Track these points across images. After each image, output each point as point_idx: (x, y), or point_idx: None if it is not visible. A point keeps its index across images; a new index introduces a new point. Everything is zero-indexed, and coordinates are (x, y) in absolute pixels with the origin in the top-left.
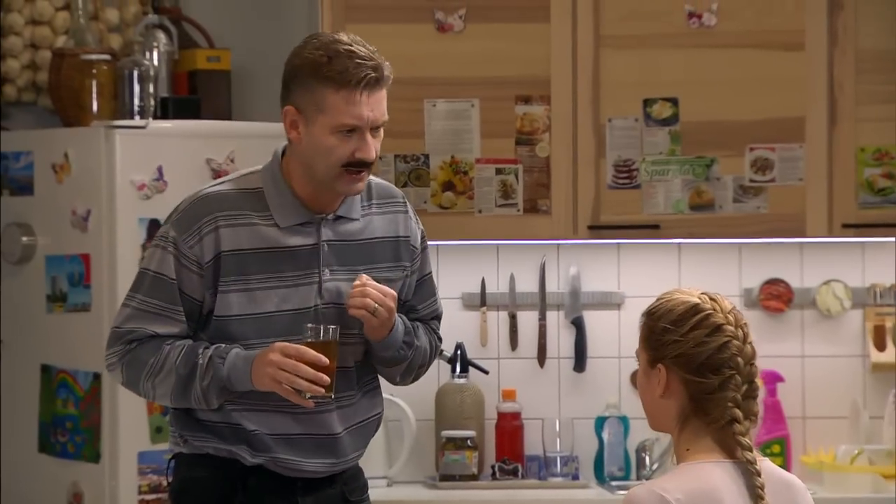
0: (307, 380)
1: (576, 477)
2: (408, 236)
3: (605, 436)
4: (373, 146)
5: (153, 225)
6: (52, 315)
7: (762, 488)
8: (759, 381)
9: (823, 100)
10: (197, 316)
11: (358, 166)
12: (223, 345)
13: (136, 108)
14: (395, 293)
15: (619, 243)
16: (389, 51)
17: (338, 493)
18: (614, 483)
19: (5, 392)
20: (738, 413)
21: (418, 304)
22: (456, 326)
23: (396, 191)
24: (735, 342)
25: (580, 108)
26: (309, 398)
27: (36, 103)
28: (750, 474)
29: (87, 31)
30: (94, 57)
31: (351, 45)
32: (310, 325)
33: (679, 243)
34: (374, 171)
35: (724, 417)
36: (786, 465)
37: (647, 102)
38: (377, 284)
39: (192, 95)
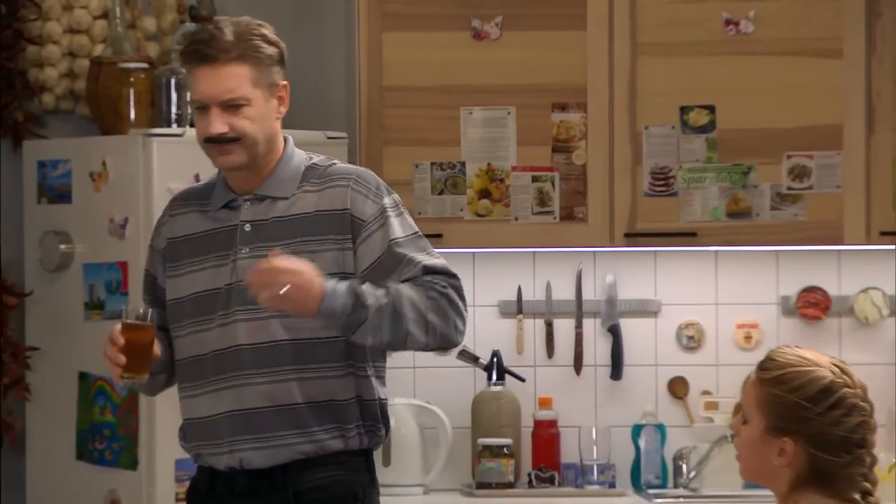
0: (110, 359)
1: (612, 485)
2: (346, 208)
3: (641, 444)
4: (217, 123)
5: None
6: (89, 322)
7: None
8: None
9: (861, 107)
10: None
11: (211, 142)
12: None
13: (173, 116)
14: (306, 263)
15: (655, 251)
16: (426, 59)
17: (285, 500)
18: (651, 491)
19: (43, 400)
20: (869, 486)
21: (388, 277)
22: (492, 334)
23: (351, 171)
24: (868, 420)
25: (617, 115)
26: (121, 377)
27: (74, 112)
28: None
29: (124, 39)
30: (131, 65)
31: (212, 26)
32: (124, 307)
33: (716, 251)
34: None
35: (855, 490)
36: None
37: (684, 110)
38: (277, 263)
39: None
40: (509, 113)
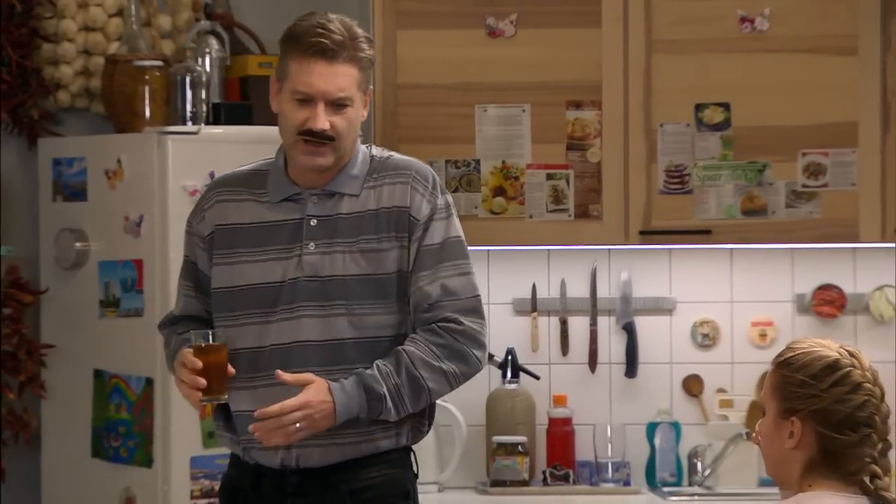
0: (187, 384)
1: (627, 483)
2: (405, 206)
3: (656, 441)
4: (324, 119)
5: None
6: (104, 320)
7: None
8: (892, 439)
9: (876, 105)
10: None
11: (310, 136)
12: (186, 340)
13: (188, 114)
14: (304, 400)
15: (670, 248)
16: (440, 56)
17: (338, 499)
18: (666, 489)
19: (58, 397)
20: (878, 469)
21: (413, 275)
22: (507, 332)
23: (411, 165)
24: (873, 400)
25: (631, 112)
26: (200, 401)
27: (89, 109)
28: None
29: (139, 37)
30: (146, 63)
31: (324, 20)
32: (192, 331)
33: (731, 249)
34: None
35: (863, 472)
36: None
37: (699, 107)
38: (274, 412)
39: (244, 101)
40: (524, 110)
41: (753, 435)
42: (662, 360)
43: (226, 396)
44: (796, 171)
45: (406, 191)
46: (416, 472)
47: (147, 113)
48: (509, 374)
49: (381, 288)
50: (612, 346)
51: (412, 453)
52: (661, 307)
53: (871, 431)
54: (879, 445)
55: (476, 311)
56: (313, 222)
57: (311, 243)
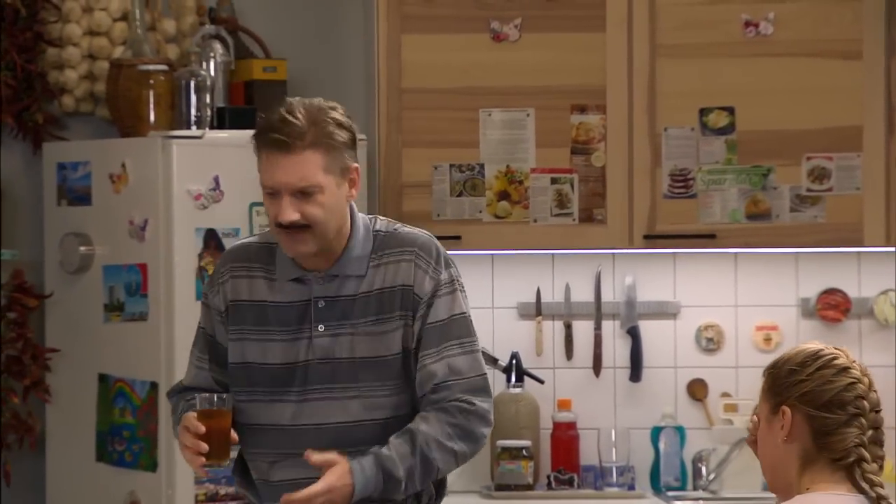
0: (190, 449)
1: (632, 487)
2: (409, 285)
3: (661, 446)
4: (290, 211)
5: (210, 235)
6: (109, 324)
7: None
8: (883, 436)
9: (881, 109)
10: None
11: (283, 228)
12: (191, 406)
13: (192, 119)
14: (328, 485)
15: (674, 253)
16: (445, 60)
17: None
18: (670, 493)
19: (63, 401)
20: (866, 453)
21: (419, 353)
22: (511, 336)
23: (415, 239)
24: (860, 386)
25: (636, 117)
26: (202, 466)
27: (93, 114)
28: None
29: (144, 41)
30: (151, 67)
31: (288, 110)
32: (198, 394)
33: (735, 253)
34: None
35: (851, 455)
36: None
37: (704, 111)
38: (301, 498)
39: (249, 105)
40: (528, 115)
41: (747, 436)
42: (667, 365)
43: (227, 462)
44: (801, 176)
45: (410, 269)
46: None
47: (152, 117)
48: (514, 379)
49: (389, 369)
50: (616, 350)
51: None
52: (666, 311)
53: (858, 413)
54: (869, 433)
55: (484, 390)
56: (321, 304)
57: (321, 325)
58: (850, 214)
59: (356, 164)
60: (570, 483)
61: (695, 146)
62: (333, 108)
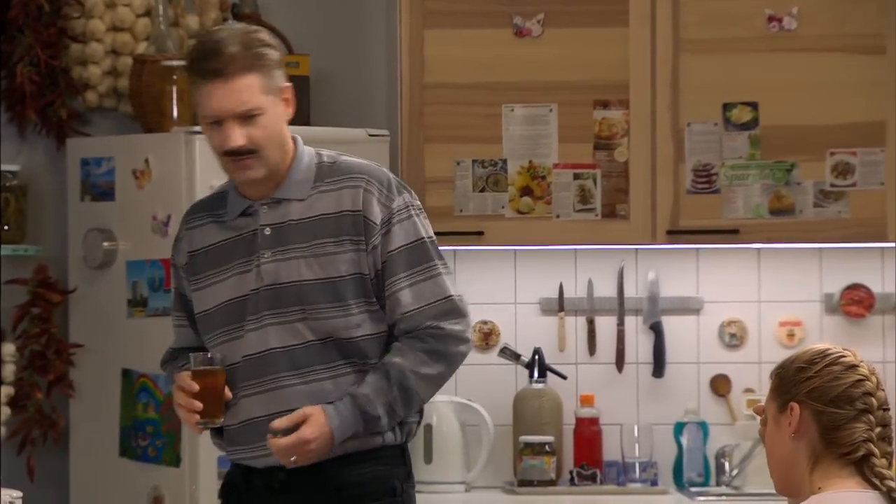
0: (184, 407)
1: (655, 483)
2: (358, 210)
3: (684, 441)
4: (237, 135)
5: None
6: (132, 320)
7: None
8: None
9: None
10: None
11: (231, 155)
12: (183, 365)
13: None
14: (299, 438)
15: (697, 248)
16: (467, 56)
17: (324, 497)
18: (693, 489)
19: (87, 396)
20: (875, 448)
21: (385, 282)
22: (534, 331)
23: (364, 168)
24: (868, 383)
25: (659, 112)
26: (197, 424)
27: (117, 109)
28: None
29: (167, 37)
30: (174, 63)
31: (212, 38)
32: (191, 353)
33: (759, 248)
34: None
35: (860, 450)
36: None
37: (727, 107)
38: (281, 442)
39: None
40: (551, 110)
41: (759, 429)
42: (690, 360)
43: (221, 420)
44: (824, 171)
45: (359, 194)
46: (408, 470)
47: (175, 113)
48: (536, 374)
49: (336, 291)
50: (639, 345)
51: (405, 452)
52: (689, 307)
53: (866, 409)
54: (878, 429)
55: (453, 311)
56: (267, 231)
57: (267, 252)
58: (874, 210)
59: (288, 84)
60: (592, 479)
61: (718, 141)
62: (257, 31)
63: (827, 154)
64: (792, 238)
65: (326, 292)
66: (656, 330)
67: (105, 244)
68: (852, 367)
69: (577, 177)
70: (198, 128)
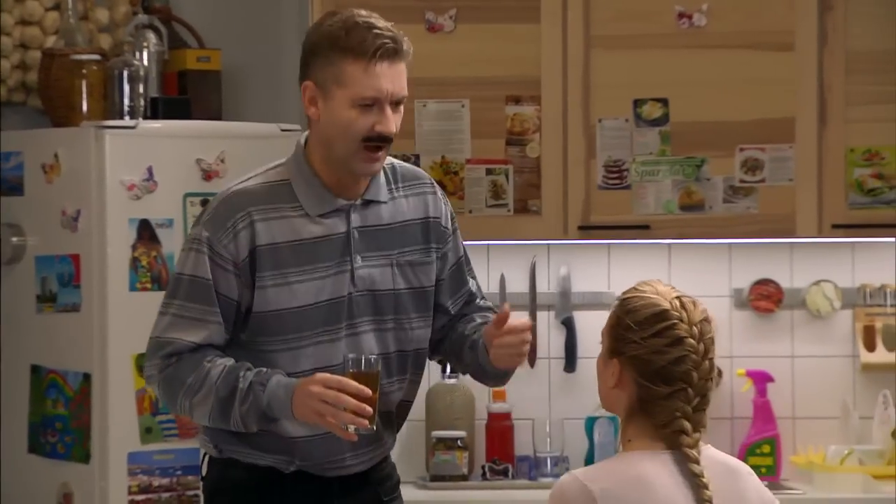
0: (351, 412)
1: None
2: (437, 217)
3: (595, 436)
4: (393, 120)
5: (143, 225)
6: (41, 315)
7: (700, 475)
8: (711, 396)
9: (813, 100)
10: (233, 316)
11: (377, 141)
12: (265, 369)
13: (125, 109)
14: (530, 323)
15: (609, 243)
16: None
17: (372, 493)
18: None
19: None
20: (687, 425)
21: (448, 299)
22: None
23: (422, 173)
24: (693, 356)
25: (570, 108)
26: (353, 430)
27: (26, 103)
28: (687, 460)
29: (77, 31)
30: (83, 57)
31: (369, 18)
32: (351, 355)
33: (669, 244)
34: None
35: (672, 426)
36: (775, 466)
37: (638, 103)
38: (523, 325)
39: (182, 95)
40: (463, 106)
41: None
42: None
43: (374, 427)
44: (734, 167)
45: (433, 200)
46: None
47: (84, 107)
48: (448, 369)
49: (425, 301)
50: (551, 340)
51: None
52: (600, 302)
53: (685, 386)
54: (696, 400)
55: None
56: (357, 235)
57: (359, 256)
58: (783, 205)
59: None
60: (504, 473)
61: (629, 137)
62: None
63: (736, 150)
64: (702, 234)
65: (418, 302)
66: (568, 325)
67: (14, 239)
68: (679, 340)
69: (489, 172)
70: (108, 122)
